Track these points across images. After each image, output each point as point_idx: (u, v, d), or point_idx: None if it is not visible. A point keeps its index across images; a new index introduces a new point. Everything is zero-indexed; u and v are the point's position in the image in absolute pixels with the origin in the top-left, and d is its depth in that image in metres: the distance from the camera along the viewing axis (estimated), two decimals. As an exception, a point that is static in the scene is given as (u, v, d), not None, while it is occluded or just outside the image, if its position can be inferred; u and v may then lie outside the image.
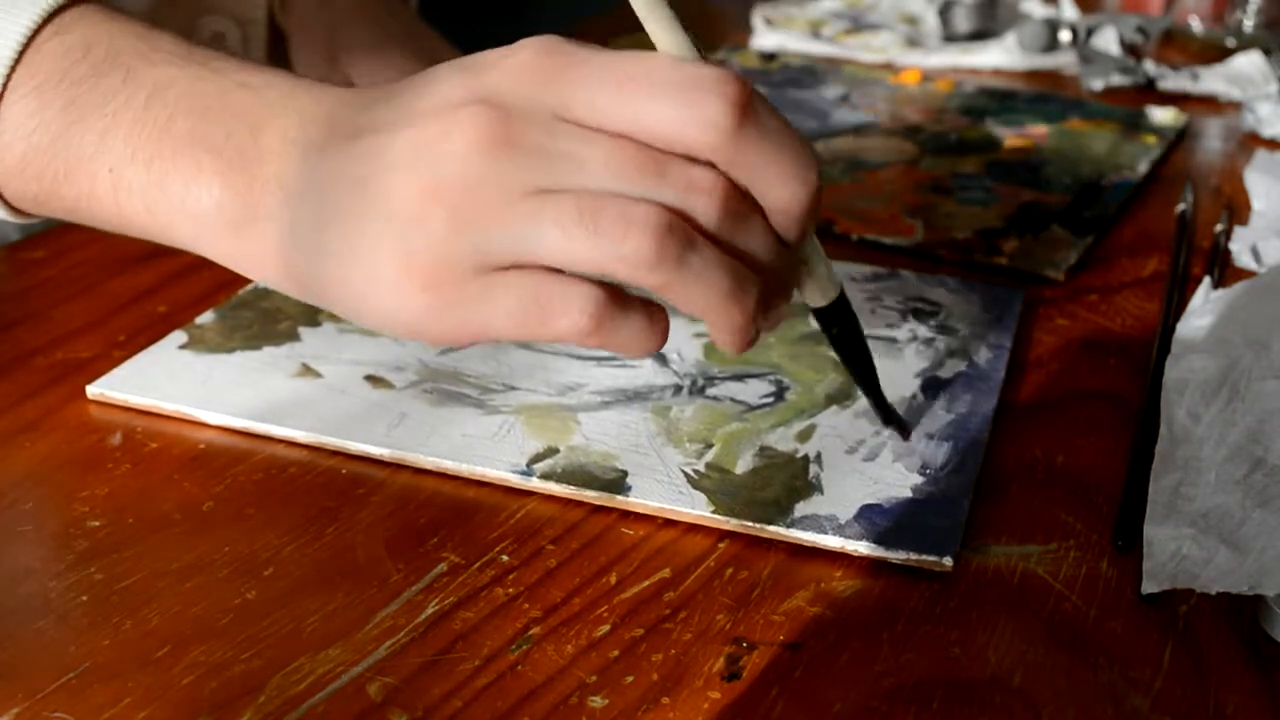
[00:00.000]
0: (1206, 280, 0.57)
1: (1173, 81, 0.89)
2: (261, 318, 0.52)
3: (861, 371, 0.44)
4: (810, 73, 0.92)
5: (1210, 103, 0.88)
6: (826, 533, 0.40)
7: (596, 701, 0.34)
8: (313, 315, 0.52)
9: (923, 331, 0.53)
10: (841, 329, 0.42)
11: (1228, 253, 0.62)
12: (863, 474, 0.43)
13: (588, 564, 0.39)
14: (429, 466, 0.44)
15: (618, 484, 0.42)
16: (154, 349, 0.50)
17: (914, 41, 0.99)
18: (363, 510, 0.42)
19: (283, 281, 0.37)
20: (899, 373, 0.49)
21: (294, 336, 0.51)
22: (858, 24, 1.04)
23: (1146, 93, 0.89)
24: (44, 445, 0.45)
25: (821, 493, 0.42)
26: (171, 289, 0.56)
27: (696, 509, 0.41)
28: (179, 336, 0.51)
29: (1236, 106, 0.87)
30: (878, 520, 0.41)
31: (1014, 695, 0.35)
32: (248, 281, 0.54)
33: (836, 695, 0.35)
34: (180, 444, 0.45)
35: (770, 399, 0.48)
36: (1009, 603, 0.38)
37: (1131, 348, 0.53)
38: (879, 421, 0.46)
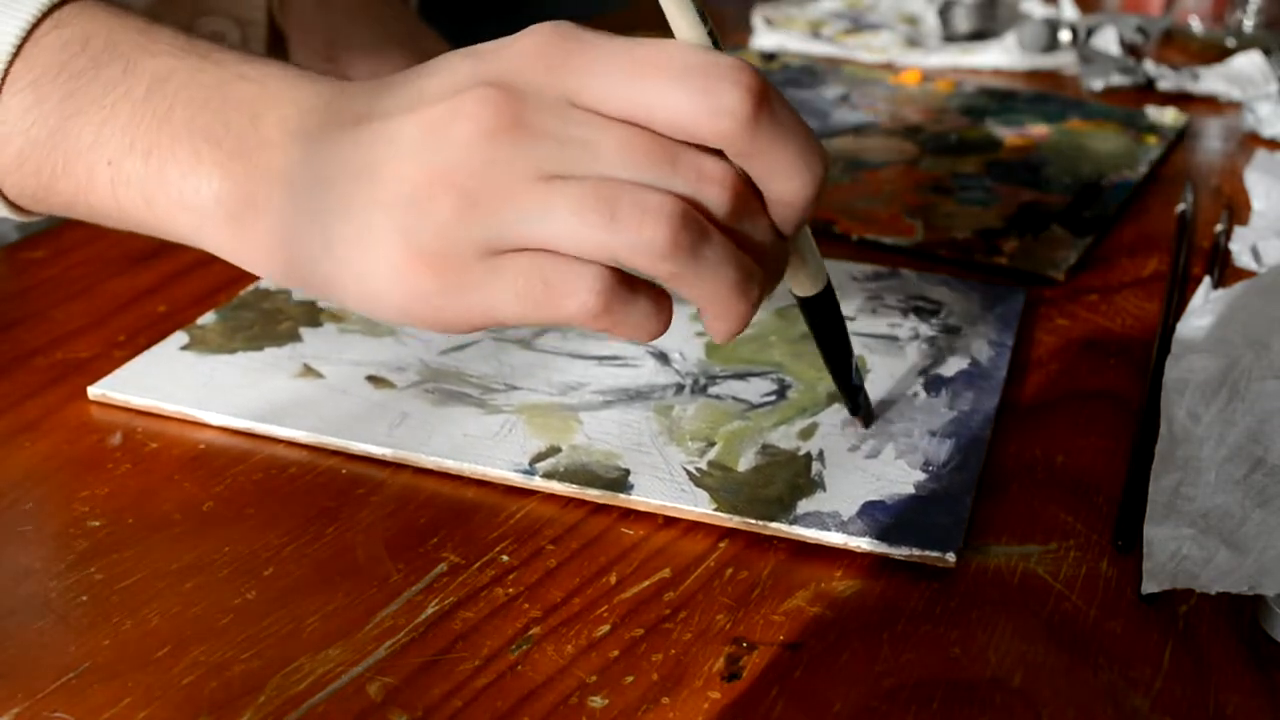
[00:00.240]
0: (1206, 280, 0.57)
1: (1173, 81, 0.89)
2: (263, 318, 0.52)
3: (837, 359, 0.44)
4: (810, 73, 0.92)
5: (1210, 103, 0.88)
6: (829, 529, 0.40)
7: (596, 701, 0.34)
8: (314, 316, 0.52)
9: (924, 329, 0.53)
10: (826, 317, 0.42)
11: (1228, 253, 0.62)
12: (865, 471, 0.43)
13: (588, 564, 0.39)
14: (431, 466, 0.44)
15: (620, 482, 0.42)
16: (155, 350, 0.50)
17: (914, 41, 0.99)
18: (363, 510, 0.42)
19: (284, 274, 0.37)
20: (901, 370, 0.49)
21: (295, 337, 0.51)
22: (858, 24, 1.04)
23: (1146, 93, 0.89)
24: (44, 445, 0.45)
25: (824, 490, 0.42)
26: (172, 289, 0.56)
27: (699, 507, 0.41)
28: (180, 338, 0.51)
29: (1236, 106, 0.87)
30: (880, 517, 0.41)
31: (1014, 695, 0.35)
32: (248, 282, 0.54)
33: (836, 695, 0.35)
34: (180, 444, 0.45)
35: (772, 397, 0.48)
36: (1009, 603, 0.38)
37: (1131, 348, 0.53)
38: (846, 410, 0.46)
